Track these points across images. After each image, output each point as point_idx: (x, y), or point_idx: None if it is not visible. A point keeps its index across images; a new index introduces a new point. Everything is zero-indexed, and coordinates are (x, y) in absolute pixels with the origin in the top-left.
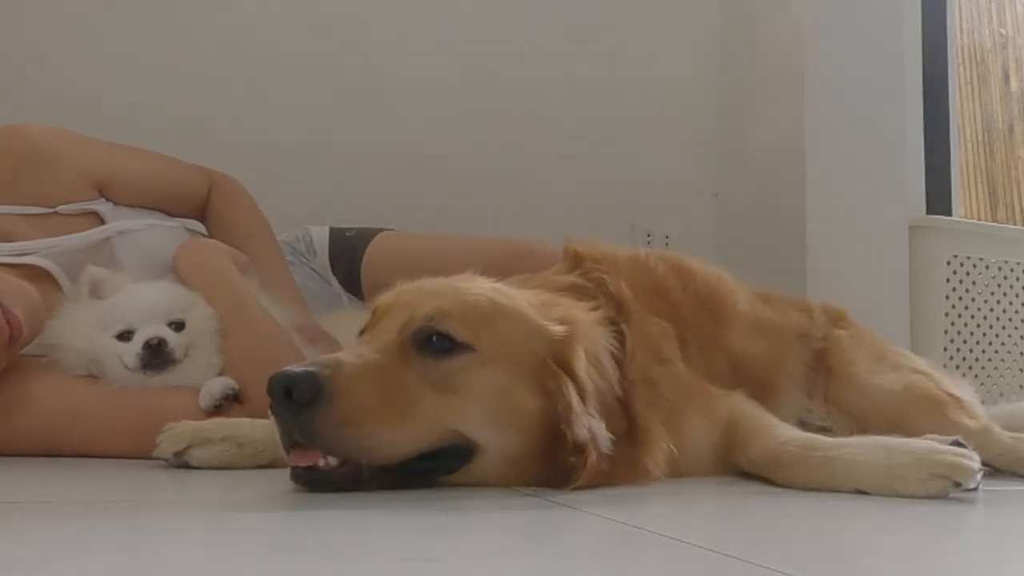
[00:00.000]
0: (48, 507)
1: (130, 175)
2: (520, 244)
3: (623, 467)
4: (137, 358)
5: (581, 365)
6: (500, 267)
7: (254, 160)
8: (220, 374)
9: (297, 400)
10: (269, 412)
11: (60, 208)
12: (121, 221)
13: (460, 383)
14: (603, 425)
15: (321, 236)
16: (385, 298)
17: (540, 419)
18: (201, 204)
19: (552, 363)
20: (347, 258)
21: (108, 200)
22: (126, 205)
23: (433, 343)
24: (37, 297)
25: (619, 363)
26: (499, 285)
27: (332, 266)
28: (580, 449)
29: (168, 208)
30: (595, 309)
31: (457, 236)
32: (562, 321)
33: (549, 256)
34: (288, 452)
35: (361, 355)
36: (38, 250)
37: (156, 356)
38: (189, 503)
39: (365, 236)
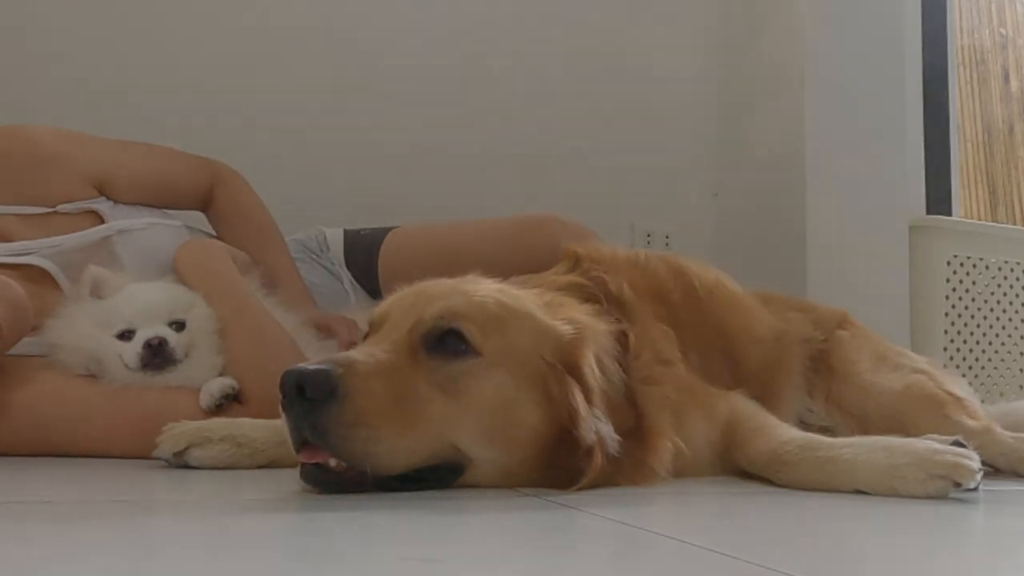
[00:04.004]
0: (48, 507)
1: (130, 173)
2: (530, 216)
3: (628, 468)
4: (138, 358)
5: (589, 366)
6: (513, 241)
7: (257, 159)
8: (220, 374)
9: (310, 398)
10: (280, 409)
11: (60, 207)
12: (121, 220)
13: (467, 387)
14: (610, 427)
15: (335, 236)
16: (383, 306)
17: (541, 431)
18: (202, 196)
19: (559, 365)
20: (363, 254)
21: (108, 198)
22: (126, 203)
23: (444, 343)
24: (22, 295)
25: (623, 363)
26: (504, 286)
27: (348, 262)
28: (586, 451)
29: (169, 203)
30: (597, 309)
31: (466, 221)
32: (569, 322)
33: (562, 225)
34: (298, 451)
35: (372, 354)
36: (38, 250)
37: (156, 356)
38: (189, 503)
39: (378, 233)
